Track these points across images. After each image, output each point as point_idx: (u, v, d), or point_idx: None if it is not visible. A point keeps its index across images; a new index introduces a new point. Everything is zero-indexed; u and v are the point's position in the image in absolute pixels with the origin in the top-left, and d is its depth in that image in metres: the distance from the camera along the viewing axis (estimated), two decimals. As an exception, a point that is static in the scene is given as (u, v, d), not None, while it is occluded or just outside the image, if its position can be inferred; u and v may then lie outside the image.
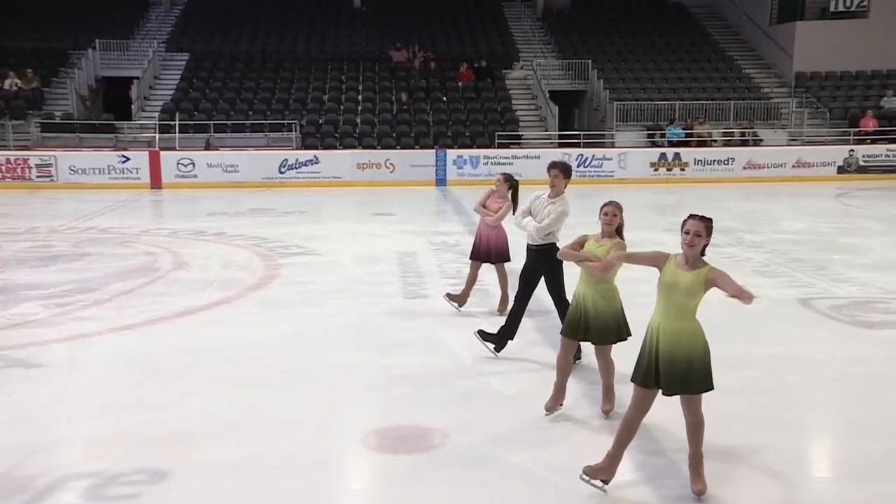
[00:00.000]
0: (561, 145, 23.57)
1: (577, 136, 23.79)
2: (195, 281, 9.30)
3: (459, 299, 7.63)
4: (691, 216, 3.89)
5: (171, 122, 22.73)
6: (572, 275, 5.16)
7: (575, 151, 22.39)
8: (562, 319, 5.98)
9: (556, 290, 5.97)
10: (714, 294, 3.89)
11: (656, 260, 3.91)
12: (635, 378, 3.90)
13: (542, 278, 5.97)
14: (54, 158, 20.88)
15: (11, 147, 21.85)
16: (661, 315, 3.83)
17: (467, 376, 5.86)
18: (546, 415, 4.91)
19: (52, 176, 20.79)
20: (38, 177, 20.75)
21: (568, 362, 4.96)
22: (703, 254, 3.86)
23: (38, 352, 6.49)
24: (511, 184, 7.19)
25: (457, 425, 4.88)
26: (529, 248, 5.91)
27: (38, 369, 6.08)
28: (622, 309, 4.86)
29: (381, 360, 6.24)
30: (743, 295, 3.58)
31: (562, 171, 5.87)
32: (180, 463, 4.39)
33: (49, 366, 6.18)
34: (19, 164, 20.79)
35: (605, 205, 4.83)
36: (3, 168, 20.70)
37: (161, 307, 7.97)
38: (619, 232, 4.81)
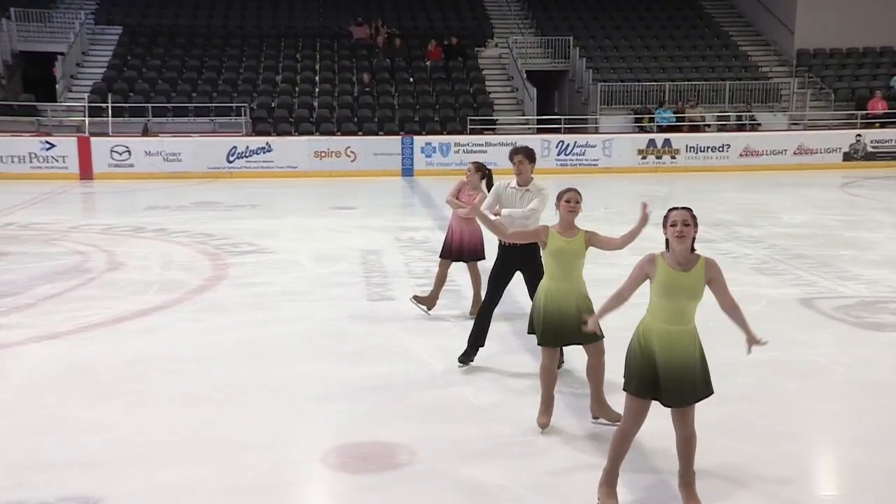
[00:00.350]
0: (540, 131, 23.71)
1: (558, 121, 23.96)
2: (132, 283, 9.21)
3: (428, 302, 7.63)
4: (673, 208, 3.93)
5: (103, 105, 22.46)
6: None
7: (555, 138, 22.55)
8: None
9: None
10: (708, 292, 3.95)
11: (638, 279, 3.94)
12: (628, 387, 3.92)
13: (519, 279, 6.03)
14: (-34, 145, 20.49)
15: (-84, 132, 21.47)
16: (661, 320, 3.83)
17: (437, 386, 5.87)
18: (541, 432, 4.92)
19: (-36, 165, 20.40)
20: (-52, 166, 20.34)
21: (554, 372, 4.98)
22: (692, 249, 3.89)
23: (-49, 365, 6.38)
24: (484, 173, 7.21)
25: (426, 441, 4.88)
26: (505, 248, 5.92)
27: (-48, 384, 5.97)
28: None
29: (341, 371, 6.22)
30: (751, 340, 3.78)
31: (526, 155, 5.97)
32: (113, 490, 4.33)
33: (-36, 380, 6.07)
34: (-74, 153, 20.37)
35: (565, 191, 4.84)
36: None
37: (93, 313, 7.88)
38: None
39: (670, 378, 3.83)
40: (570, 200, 4.80)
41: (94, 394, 5.75)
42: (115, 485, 4.38)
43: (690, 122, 24.02)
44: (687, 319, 3.84)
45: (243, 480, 4.44)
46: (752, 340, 3.90)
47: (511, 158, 6.04)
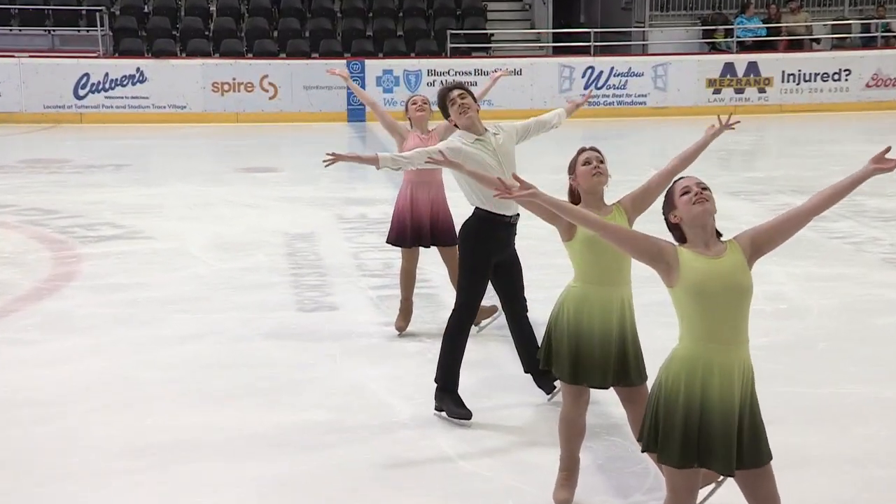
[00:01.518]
0: (557, 51, 23.76)
1: (585, 37, 23.97)
2: (-70, 286, 9.16)
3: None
4: (676, 180, 4.12)
5: None
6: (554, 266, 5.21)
7: (581, 62, 22.58)
8: (526, 343, 6.28)
9: (521, 289, 6.31)
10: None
11: (648, 248, 4.01)
12: (683, 460, 3.97)
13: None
14: None
15: None
16: (733, 341, 3.91)
17: (405, 441, 5.90)
18: None
19: None
20: None
21: (580, 424, 5.05)
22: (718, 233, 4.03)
23: None
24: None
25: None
26: (503, 222, 6.05)
27: None
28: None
29: (259, 418, 6.23)
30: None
31: (467, 91, 6.22)
32: None
33: None
34: None
35: (581, 151, 4.96)
36: None
37: None
38: None
39: (756, 440, 3.96)
40: (589, 161, 4.85)
41: None
42: None
43: (790, 35, 24.05)
44: (743, 337, 3.93)
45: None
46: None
47: (444, 99, 6.19)
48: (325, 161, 5.99)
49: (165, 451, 5.78)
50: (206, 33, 23.48)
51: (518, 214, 6.01)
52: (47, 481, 5.44)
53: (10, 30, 23.02)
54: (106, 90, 21.49)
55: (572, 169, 4.90)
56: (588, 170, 4.83)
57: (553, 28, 24.44)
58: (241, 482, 5.40)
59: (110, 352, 7.51)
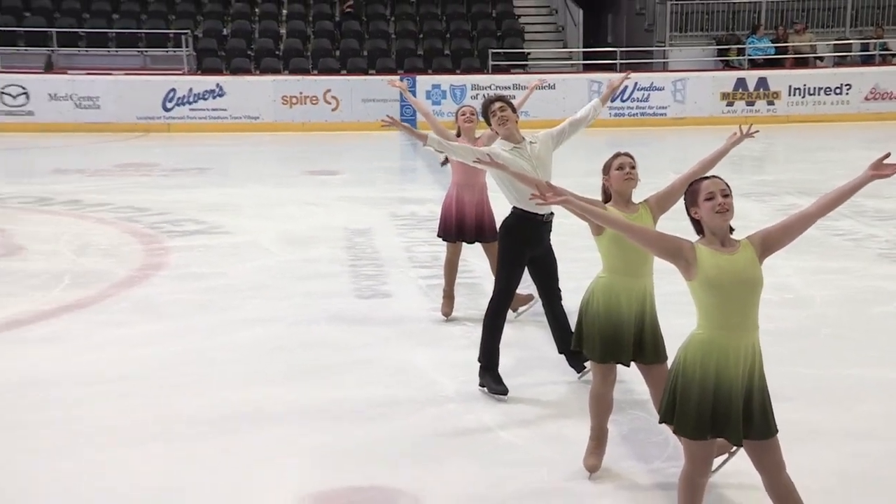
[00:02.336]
0: (587, 68, 23.65)
1: (612, 55, 23.87)
2: (34, 274, 9.27)
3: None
4: (704, 177, 4.05)
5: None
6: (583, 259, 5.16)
7: (608, 78, 22.45)
8: (560, 327, 6.26)
9: (555, 280, 6.30)
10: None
11: (670, 243, 3.96)
12: (696, 432, 3.94)
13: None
14: None
15: None
16: (744, 328, 3.87)
17: (450, 414, 5.88)
18: (590, 476, 4.97)
19: None
20: None
21: (608, 399, 5.05)
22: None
23: None
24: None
25: (437, 487, 4.88)
26: (537, 221, 6.02)
27: None
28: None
29: (320, 394, 6.23)
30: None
31: (507, 103, 6.17)
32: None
33: None
34: None
35: (615, 156, 4.92)
36: None
37: (-18, 314, 7.92)
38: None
39: (766, 413, 3.92)
40: (622, 167, 4.84)
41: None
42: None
43: (796, 53, 23.86)
44: (753, 324, 3.89)
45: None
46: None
47: (486, 110, 6.18)
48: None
49: (234, 421, 5.79)
50: (277, 53, 23.57)
51: (552, 213, 5.99)
52: (133, 443, 5.48)
53: (108, 51, 23.25)
54: (190, 103, 21.64)
55: (607, 170, 4.87)
56: (621, 174, 4.82)
57: (583, 47, 24.32)
58: (302, 450, 5.39)
59: (190, 333, 7.56)
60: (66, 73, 21.98)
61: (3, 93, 21.07)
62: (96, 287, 8.77)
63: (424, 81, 21.99)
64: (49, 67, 22.21)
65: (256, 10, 25.15)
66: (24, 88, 21.15)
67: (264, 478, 5.08)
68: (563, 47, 24.70)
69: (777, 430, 3.92)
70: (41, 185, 14.44)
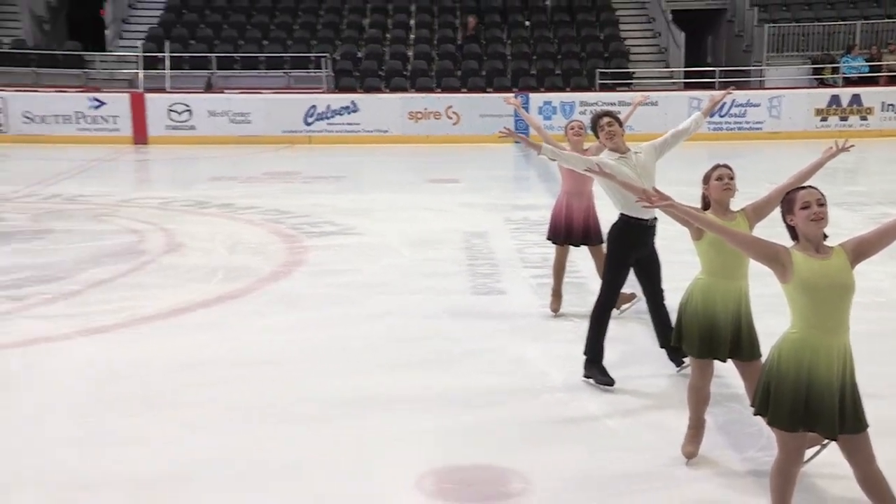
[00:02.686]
0: (688, 86, 23.20)
1: (712, 74, 23.37)
2: (193, 269, 9.48)
3: (554, 301, 7.68)
4: (801, 187, 3.94)
5: (159, 55, 23.16)
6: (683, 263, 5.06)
7: (708, 95, 21.98)
8: (662, 324, 6.20)
9: (658, 280, 6.25)
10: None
11: (768, 248, 3.85)
12: (790, 425, 3.85)
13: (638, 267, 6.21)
14: (2, 101, 21.42)
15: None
16: (836, 330, 3.77)
17: (558, 402, 5.84)
18: (687, 463, 4.90)
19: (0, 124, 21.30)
20: (-19, 126, 21.15)
21: (706, 392, 4.98)
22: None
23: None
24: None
25: (544, 467, 4.86)
26: (642, 225, 5.93)
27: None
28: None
29: (439, 379, 6.26)
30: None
31: (615, 118, 6.12)
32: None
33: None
34: (-45, 110, 21.18)
35: (714, 168, 4.84)
36: (-67, 115, 21.15)
37: (147, 304, 8.14)
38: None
39: (857, 410, 3.82)
40: (722, 178, 4.78)
41: (144, 401, 5.91)
42: (171, 507, 4.52)
43: (889, 71, 23.02)
44: (845, 327, 3.79)
45: (322, 508, 4.51)
46: None
47: (595, 123, 6.14)
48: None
49: (361, 404, 5.83)
50: (405, 73, 23.76)
51: (656, 218, 5.91)
52: (270, 420, 5.58)
53: (259, 73, 23.78)
54: (328, 118, 21.94)
55: (707, 180, 4.80)
56: (720, 185, 4.75)
57: (685, 67, 23.88)
58: (422, 432, 5.42)
59: (325, 324, 7.65)
60: (223, 92, 22.54)
61: (170, 110, 21.72)
62: (245, 281, 8.94)
63: (537, 98, 21.87)
64: (209, 87, 22.82)
65: (387, 35, 25.41)
66: (187, 106, 21.76)
67: (390, 455, 5.12)
68: (666, 67, 24.29)
69: (868, 425, 3.81)
70: (200, 191, 14.82)
